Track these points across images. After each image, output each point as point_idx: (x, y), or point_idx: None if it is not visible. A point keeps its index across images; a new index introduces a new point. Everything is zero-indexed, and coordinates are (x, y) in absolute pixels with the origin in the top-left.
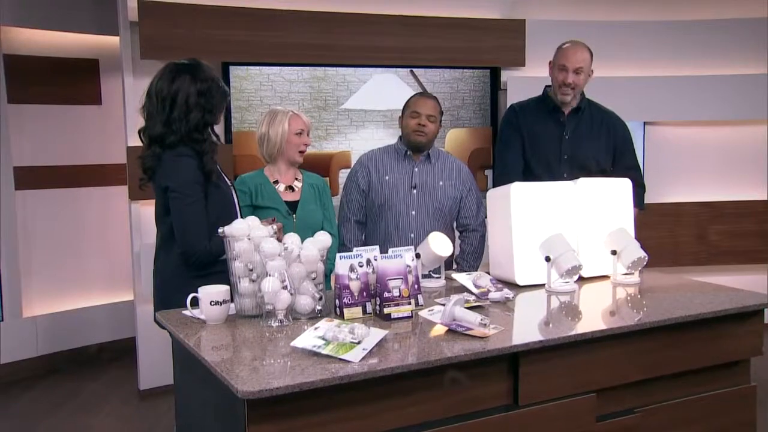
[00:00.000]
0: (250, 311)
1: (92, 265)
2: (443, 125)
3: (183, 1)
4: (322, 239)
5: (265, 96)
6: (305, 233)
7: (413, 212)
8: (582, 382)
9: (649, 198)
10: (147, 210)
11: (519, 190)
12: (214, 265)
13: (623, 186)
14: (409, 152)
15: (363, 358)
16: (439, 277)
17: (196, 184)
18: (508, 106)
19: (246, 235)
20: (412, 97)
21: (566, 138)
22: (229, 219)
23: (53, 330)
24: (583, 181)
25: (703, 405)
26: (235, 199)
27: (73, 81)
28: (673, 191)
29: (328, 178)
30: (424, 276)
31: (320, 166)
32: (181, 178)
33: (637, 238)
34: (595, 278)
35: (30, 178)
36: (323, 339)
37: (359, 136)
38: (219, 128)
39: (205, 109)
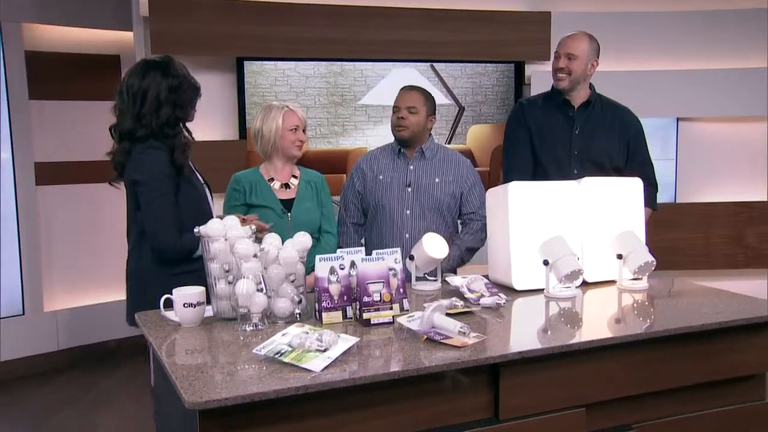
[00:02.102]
0: (228, 314)
1: (112, 261)
2: (464, 121)
3: None
4: (302, 240)
5: (280, 92)
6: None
7: (407, 211)
8: (570, 396)
9: (682, 197)
10: None
11: (517, 190)
12: (190, 263)
13: (633, 186)
14: (401, 149)
15: (326, 368)
16: (435, 280)
17: (166, 176)
18: None
19: (222, 235)
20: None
21: (576, 133)
22: (202, 215)
23: (73, 324)
24: (588, 181)
25: (710, 422)
26: (209, 197)
27: (94, 77)
28: (708, 190)
29: (345, 175)
30: (419, 278)
31: (336, 163)
32: (151, 171)
33: (649, 241)
34: (601, 283)
35: (51, 173)
36: (289, 346)
37: (377, 132)
38: (233, 124)
39: (176, 104)
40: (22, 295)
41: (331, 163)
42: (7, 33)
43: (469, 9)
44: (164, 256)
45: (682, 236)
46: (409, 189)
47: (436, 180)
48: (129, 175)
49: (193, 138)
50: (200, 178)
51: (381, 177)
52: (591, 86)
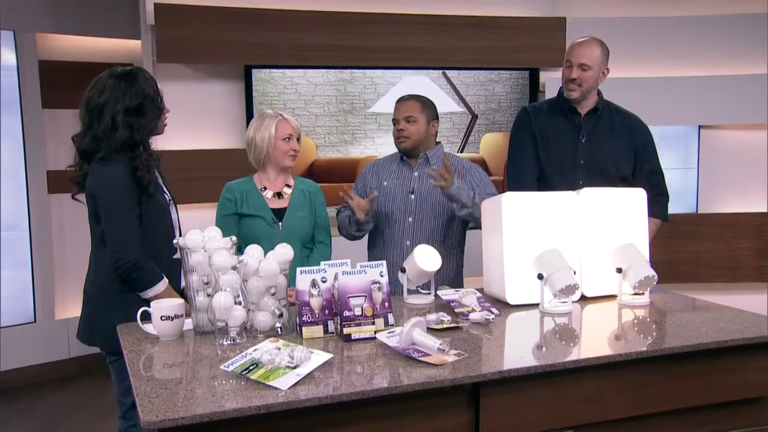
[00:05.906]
0: (208, 327)
1: None
2: (477, 129)
3: (200, 4)
4: (283, 252)
5: (289, 100)
6: (292, 242)
7: (410, 219)
8: (557, 417)
9: (704, 207)
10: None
11: (511, 201)
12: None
13: (635, 197)
14: (404, 157)
15: (293, 386)
16: (428, 293)
17: (127, 189)
18: None
19: (201, 246)
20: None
21: (582, 141)
22: (164, 231)
23: None
24: (587, 191)
25: None
26: (173, 214)
27: None
28: (731, 200)
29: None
30: (411, 292)
31: (346, 172)
32: (112, 183)
33: (670, 252)
34: (601, 298)
35: (63, 181)
36: (258, 362)
37: (387, 140)
38: (240, 133)
39: (133, 128)
40: (34, 303)
41: (341, 172)
42: (21, 42)
43: (481, 15)
44: (124, 270)
45: (705, 248)
46: (413, 196)
47: None
48: (89, 188)
49: (154, 154)
50: (167, 194)
51: (385, 183)
52: (599, 92)
